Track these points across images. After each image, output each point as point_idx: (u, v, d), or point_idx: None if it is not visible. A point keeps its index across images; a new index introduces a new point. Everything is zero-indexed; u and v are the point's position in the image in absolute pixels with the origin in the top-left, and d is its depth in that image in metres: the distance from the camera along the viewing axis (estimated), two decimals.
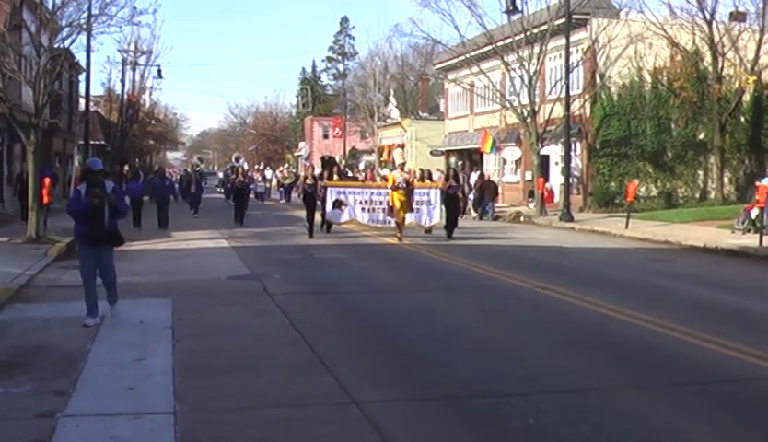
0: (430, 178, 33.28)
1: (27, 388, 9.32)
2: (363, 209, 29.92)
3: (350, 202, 29.88)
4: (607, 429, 8.10)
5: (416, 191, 29.25)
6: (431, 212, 29.79)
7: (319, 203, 30.55)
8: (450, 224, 29.33)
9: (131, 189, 34.94)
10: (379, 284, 18.53)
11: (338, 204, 29.67)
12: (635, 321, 13.33)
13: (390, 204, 28.27)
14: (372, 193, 30.47)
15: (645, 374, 10.23)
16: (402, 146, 79.64)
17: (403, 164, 29.86)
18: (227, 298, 16.12)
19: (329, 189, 29.92)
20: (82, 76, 48.40)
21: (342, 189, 30.51)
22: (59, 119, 44.01)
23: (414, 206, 28.93)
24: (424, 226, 29.97)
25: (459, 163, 49.14)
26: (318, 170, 48.30)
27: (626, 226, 31.75)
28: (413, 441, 7.93)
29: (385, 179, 37.36)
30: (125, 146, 63.14)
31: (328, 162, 32.79)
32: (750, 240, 26.10)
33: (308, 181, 31.34)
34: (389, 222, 28.97)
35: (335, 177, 31.92)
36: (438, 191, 30.12)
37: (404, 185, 27.90)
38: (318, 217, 30.38)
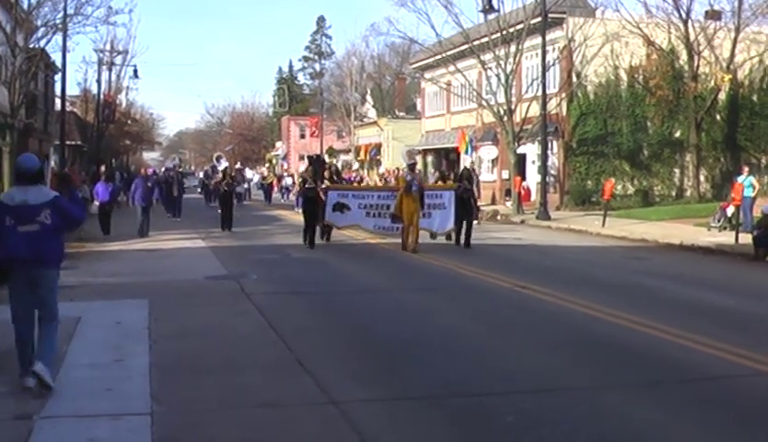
0: (444, 179, 29.64)
1: (3, 390, 9.24)
2: (368, 214, 26.62)
3: (353, 206, 26.60)
4: (587, 427, 8.10)
5: (428, 193, 26.16)
6: (445, 216, 26.46)
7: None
8: (466, 230, 26.24)
9: (97, 192, 31.61)
10: (358, 285, 18.51)
11: (339, 208, 26.44)
12: (615, 320, 13.36)
13: (395, 211, 24.87)
14: (379, 197, 27.19)
15: (626, 372, 10.25)
16: (379, 146, 79.73)
17: (414, 164, 27.01)
18: (205, 299, 16.06)
19: (329, 192, 26.59)
20: (58, 76, 48.19)
21: (344, 192, 27.63)
22: (35, 119, 43.90)
23: (426, 211, 25.81)
24: (437, 232, 26.74)
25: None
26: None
27: (603, 225, 31.86)
28: (392, 441, 7.92)
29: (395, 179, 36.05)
30: (102, 147, 62.78)
31: (316, 162, 29.62)
32: (727, 238, 26.27)
33: (309, 185, 26.87)
34: (397, 229, 25.48)
35: (326, 179, 27.62)
36: (453, 193, 26.56)
37: (416, 188, 24.78)
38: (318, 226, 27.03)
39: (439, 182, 29.27)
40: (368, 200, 26.96)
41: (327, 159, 45.85)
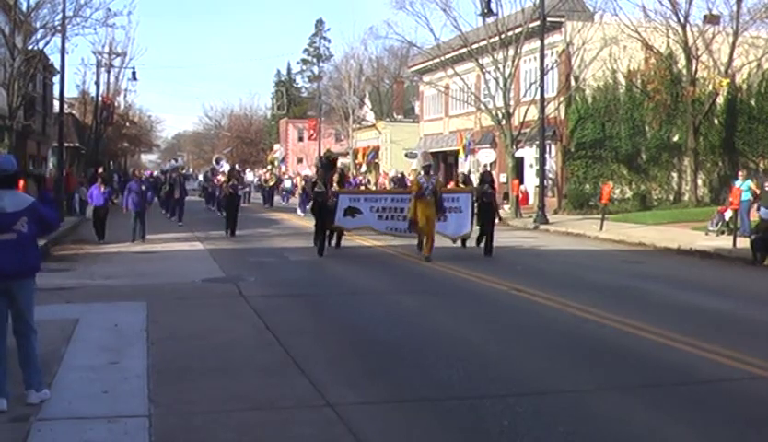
0: (465, 182, 27.75)
1: None
2: (380, 217, 25.01)
3: (365, 210, 24.98)
4: (582, 430, 8.12)
5: (444, 196, 24.26)
6: (461, 221, 24.89)
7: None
8: (487, 238, 24.78)
9: (91, 196, 30.09)
10: (355, 287, 18.52)
11: (350, 212, 24.85)
12: (611, 323, 13.38)
13: (411, 217, 23.40)
14: (393, 199, 25.48)
15: (621, 375, 10.28)
16: (378, 149, 79.63)
17: (429, 166, 24.68)
18: (202, 301, 16.07)
19: (340, 196, 25.06)
20: (56, 78, 48.27)
21: (356, 196, 26.32)
22: (33, 121, 43.93)
23: (442, 215, 23.97)
24: (453, 236, 25.25)
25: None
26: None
27: (601, 228, 31.84)
28: None
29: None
30: (100, 149, 62.82)
31: (327, 163, 27.71)
32: (724, 242, 26.28)
33: (318, 188, 25.35)
34: (410, 231, 23.88)
35: (336, 182, 26.17)
36: (470, 196, 25.16)
37: (430, 192, 23.06)
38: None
39: (461, 185, 27.50)
40: (381, 203, 25.43)
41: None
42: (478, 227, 25.19)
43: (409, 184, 31.51)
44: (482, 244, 24.86)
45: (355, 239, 27.80)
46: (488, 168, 33.13)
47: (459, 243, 25.62)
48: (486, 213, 25.20)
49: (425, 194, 22.98)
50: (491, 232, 24.98)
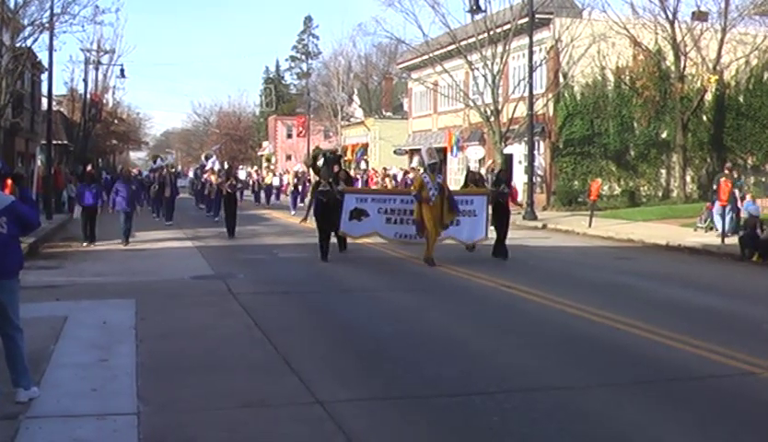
0: (476, 181, 25.57)
1: None
2: (388, 220, 23.26)
3: (372, 211, 23.27)
4: (572, 428, 8.12)
5: (457, 199, 22.61)
6: (476, 225, 23.37)
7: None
8: (502, 240, 23.38)
9: (80, 194, 28.34)
10: (345, 285, 18.45)
11: (356, 215, 23.22)
12: (600, 320, 13.40)
13: (417, 218, 22.00)
14: (402, 201, 23.40)
15: (611, 372, 10.28)
16: (366, 146, 79.49)
17: (435, 164, 22.94)
18: (191, 299, 16.01)
19: (345, 196, 23.30)
20: (44, 76, 48.04)
21: (363, 196, 24.48)
22: (21, 118, 43.76)
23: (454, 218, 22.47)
24: (467, 242, 23.85)
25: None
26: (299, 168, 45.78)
27: (589, 225, 31.89)
28: (377, 441, 7.94)
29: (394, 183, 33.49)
30: (88, 146, 62.67)
31: (331, 159, 26.49)
32: (712, 238, 26.31)
33: (323, 187, 23.27)
34: (422, 238, 22.12)
35: (342, 181, 24.33)
36: (485, 198, 23.47)
37: (434, 192, 21.47)
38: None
39: (472, 185, 25.23)
40: (389, 204, 23.49)
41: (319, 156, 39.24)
42: (493, 228, 23.98)
43: (410, 183, 30.90)
44: (501, 249, 23.23)
45: (353, 239, 27.20)
46: (480, 166, 32.28)
47: (466, 249, 24.30)
48: (502, 214, 23.77)
49: (429, 201, 21.42)
50: (505, 234, 23.63)
